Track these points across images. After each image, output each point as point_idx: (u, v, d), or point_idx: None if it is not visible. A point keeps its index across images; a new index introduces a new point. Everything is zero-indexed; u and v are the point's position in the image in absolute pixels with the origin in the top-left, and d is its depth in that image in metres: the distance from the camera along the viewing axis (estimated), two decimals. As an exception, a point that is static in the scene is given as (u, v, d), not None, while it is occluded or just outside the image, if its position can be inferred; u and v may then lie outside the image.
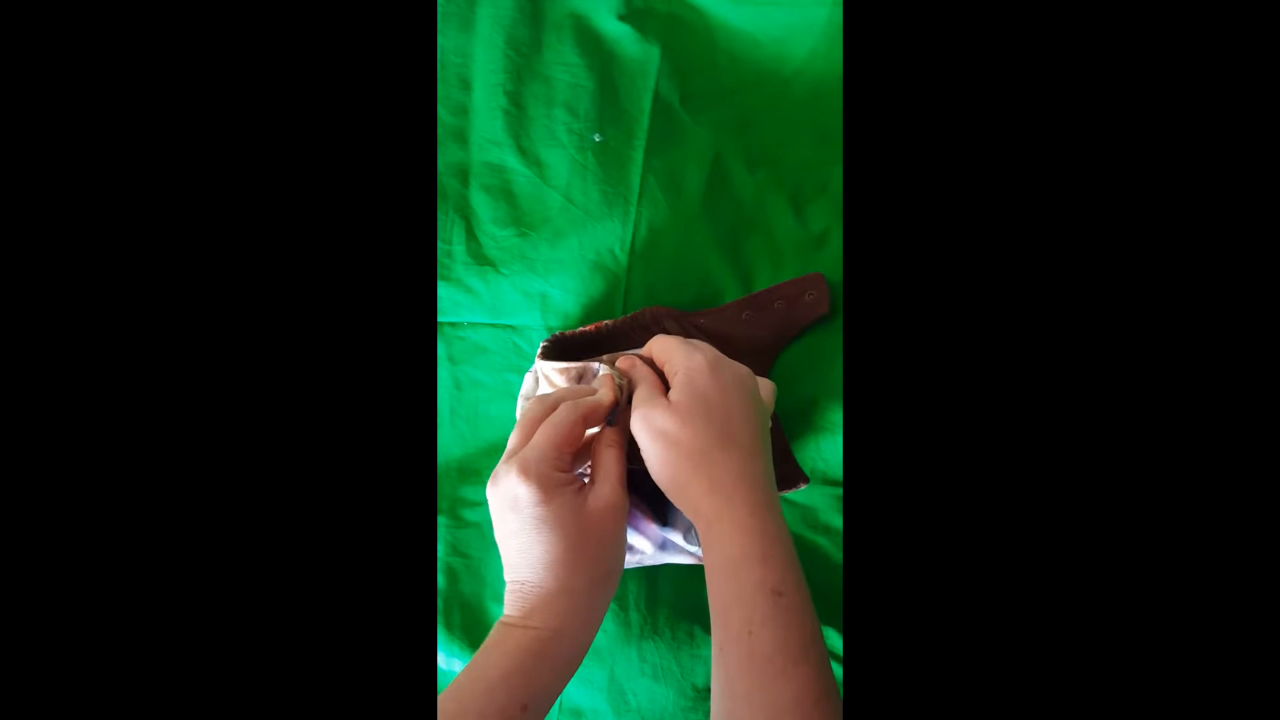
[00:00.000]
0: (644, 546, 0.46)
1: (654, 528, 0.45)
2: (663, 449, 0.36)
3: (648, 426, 0.37)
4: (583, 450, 0.40)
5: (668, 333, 0.48)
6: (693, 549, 0.45)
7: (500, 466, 0.37)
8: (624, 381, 0.41)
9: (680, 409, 0.37)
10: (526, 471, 0.36)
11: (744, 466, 0.36)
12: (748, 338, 0.47)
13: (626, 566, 0.48)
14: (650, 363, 0.42)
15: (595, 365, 0.44)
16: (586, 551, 0.36)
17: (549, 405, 0.39)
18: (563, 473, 0.37)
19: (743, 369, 0.40)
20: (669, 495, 0.38)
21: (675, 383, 0.38)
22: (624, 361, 0.42)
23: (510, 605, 0.37)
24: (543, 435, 0.37)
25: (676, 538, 0.45)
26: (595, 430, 0.40)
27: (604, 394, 0.40)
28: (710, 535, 0.36)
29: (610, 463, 0.38)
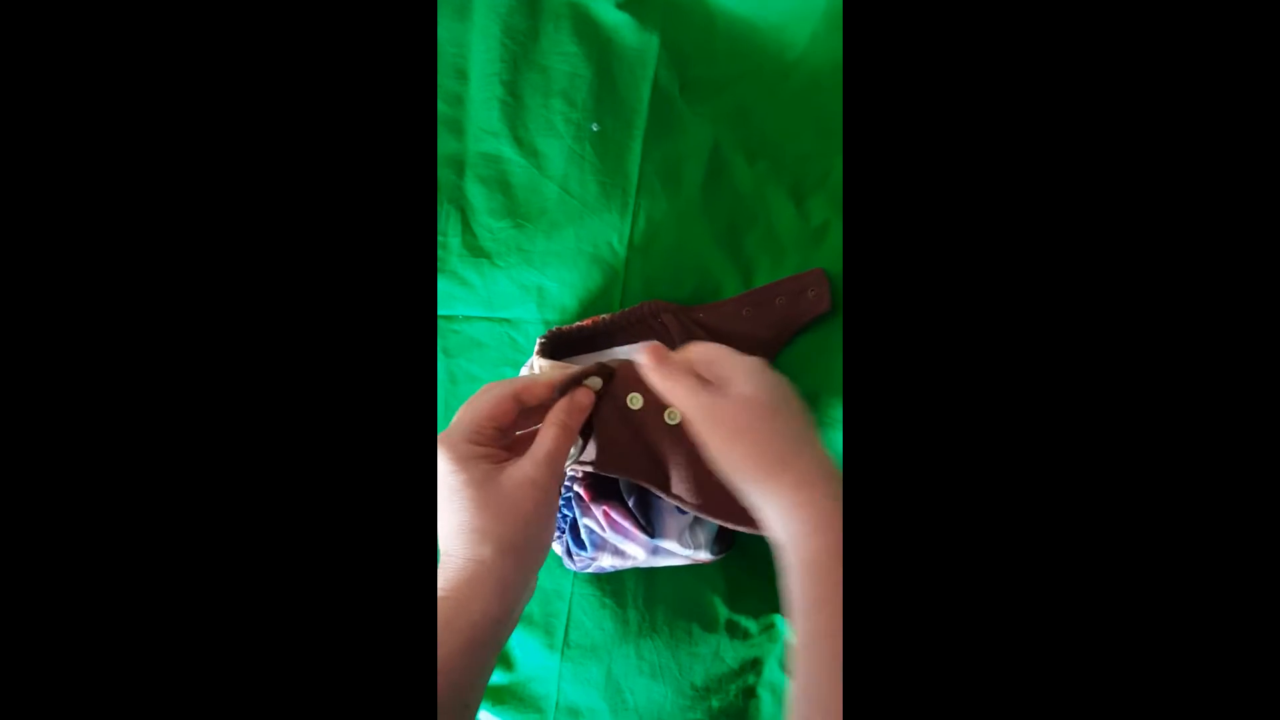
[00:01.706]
0: (635, 552, 0.45)
1: (642, 536, 0.44)
2: (738, 439, 0.36)
3: (709, 414, 0.36)
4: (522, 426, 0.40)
5: (666, 327, 0.47)
6: (686, 551, 0.45)
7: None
8: (605, 373, 0.41)
9: (751, 402, 0.36)
10: (444, 442, 0.36)
11: (825, 461, 0.36)
12: (748, 335, 0.47)
13: (619, 568, 0.47)
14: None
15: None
16: (496, 522, 0.36)
17: (491, 392, 0.39)
18: (479, 445, 0.37)
19: (782, 377, 0.39)
20: (745, 488, 0.37)
21: (735, 377, 0.37)
22: (651, 354, 0.40)
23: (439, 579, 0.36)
24: (464, 409, 0.38)
25: (670, 544, 0.44)
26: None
27: (546, 374, 0.40)
28: (794, 529, 0.35)
29: (544, 440, 0.38)
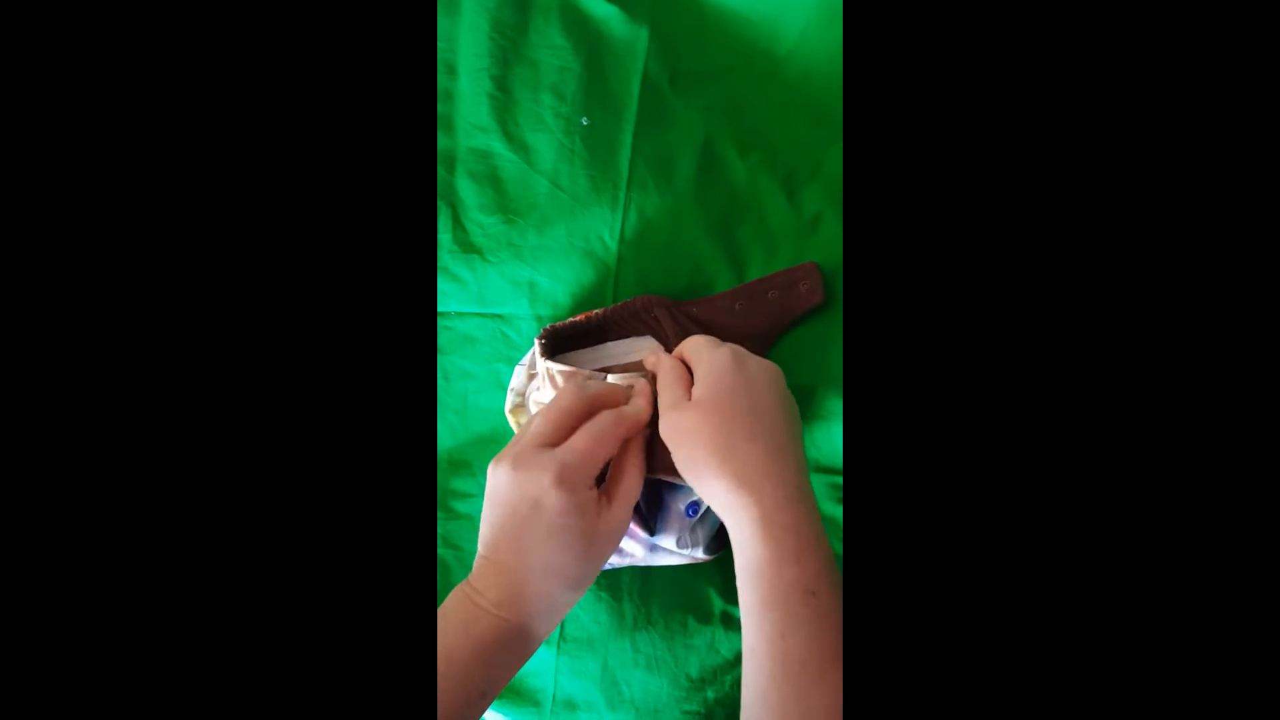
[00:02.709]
0: (634, 550, 0.45)
1: (643, 534, 0.44)
2: (687, 446, 0.36)
3: (672, 427, 0.37)
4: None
5: (659, 322, 0.47)
6: (684, 552, 0.45)
7: (525, 450, 0.36)
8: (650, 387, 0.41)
9: (703, 404, 0.36)
10: (563, 481, 0.35)
11: (770, 460, 0.35)
12: (741, 328, 0.47)
13: (617, 566, 0.47)
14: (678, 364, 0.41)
15: (609, 379, 0.43)
16: (591, 569, 0.37)
17: (586, 401, 0.38)
18: (591, 490, 0.36)
19: (770, 365, 0.39)
20: (699, 493, 0.37)
21: (699, 379, 0.38)
22: (651, 359, 0.41)
23: (482, 581, 0.36)
24: (585, 443, 0.36)
25: (668, 542, 0.44)
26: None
27: (642, 406, 0.39)
28: (738, 533, 0.34)
29: (631, 484, 0.38)
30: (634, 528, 0.44)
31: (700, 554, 0.45)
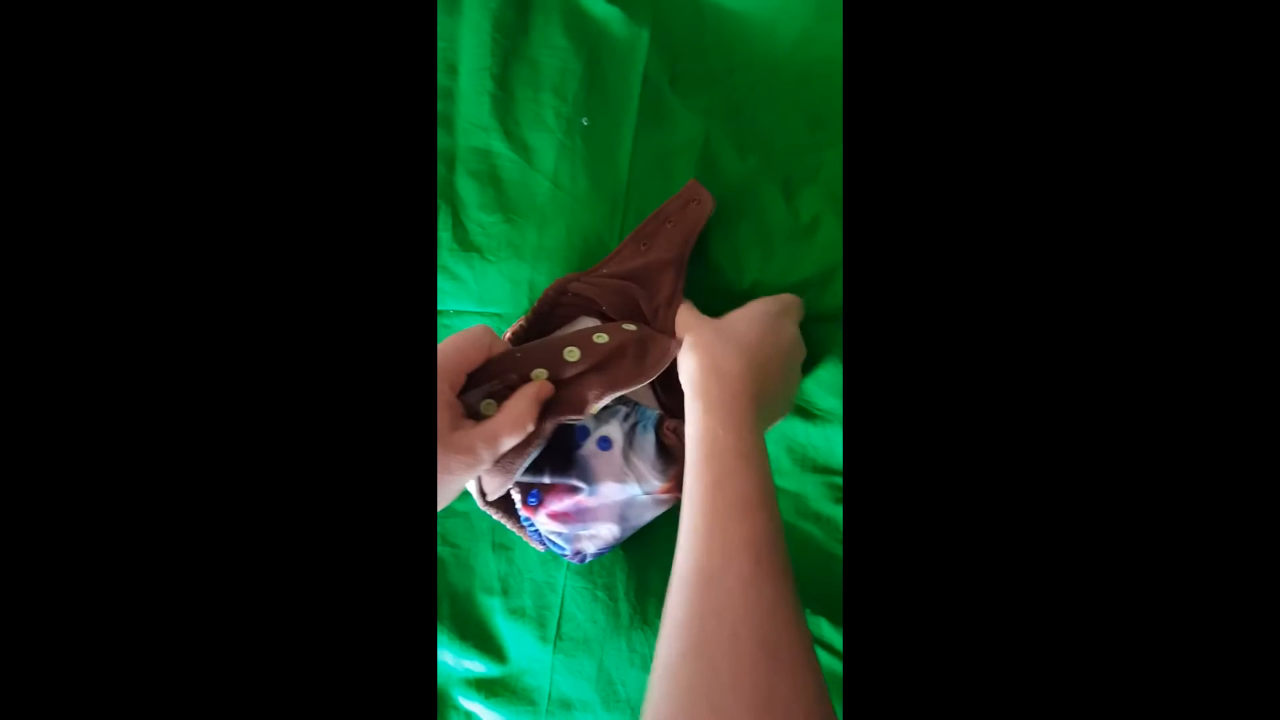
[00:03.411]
0: (606, 531, 0.45)
1: (605, 510, 0.44)
2: (701, 331, 0.42)
3: (695, 314, 0.43)
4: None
5: (580, 294, 0.47)
6: (638, 489, 0.44)
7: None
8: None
9: (723, 323, 0.43)
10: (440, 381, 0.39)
11: (756, 381, 0.41)
12: (656, 262, 0.47)
13: (602, 549, 0.47)
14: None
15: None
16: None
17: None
18: (451, 396, 0.39)
19: (798, 338, 0.45)
20: (685, 371, 0.41)
21: (737, 315, 0.44)
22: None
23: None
24: (453, 355, 0.39)
25: (610, 489, 0.44)
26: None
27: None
28: (698, 404, 0.40)
29: (501, 421, 0.38)
30: (584, 507, 0.44)
31: (655, 481, 0.44)
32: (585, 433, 0.44)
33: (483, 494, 0.44)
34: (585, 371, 0.41)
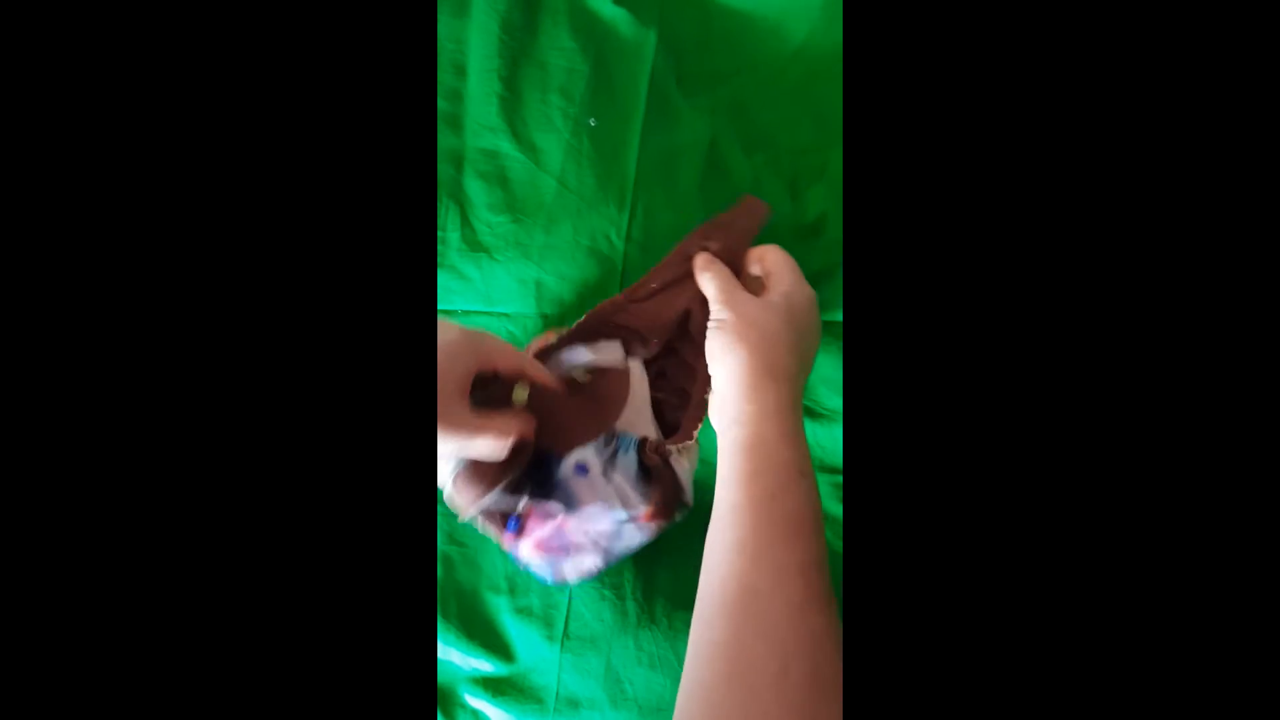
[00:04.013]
0: (588, 563, 0.45)
1: (589, 538, 0.44)
2: (743, 328, 0.39)
3: (739, 309, 0.39)
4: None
5: (623, 328, 0.47)
6: (624, 514, 0.44)
7: None
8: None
9: (776, 305, 0.40)
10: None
11: (796, 371, 0.39)
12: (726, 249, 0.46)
13: (612, 562, 0.47)
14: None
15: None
16: None
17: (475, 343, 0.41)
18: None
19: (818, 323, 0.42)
20: (721, 373, 0.39)
21: (776, 284, 0.41)
22: (703, 260, 0.43)
23: None
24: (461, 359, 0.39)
25: (594, 509, 0.43)
26: None
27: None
28: (746, 410, 0.37)
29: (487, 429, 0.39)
30: (566, 538, 0.44)
31: (639, 504, 0.44)
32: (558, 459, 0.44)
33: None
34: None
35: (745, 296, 0.40)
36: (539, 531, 0.44)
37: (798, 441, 0.36)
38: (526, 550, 0.44)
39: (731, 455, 0.37)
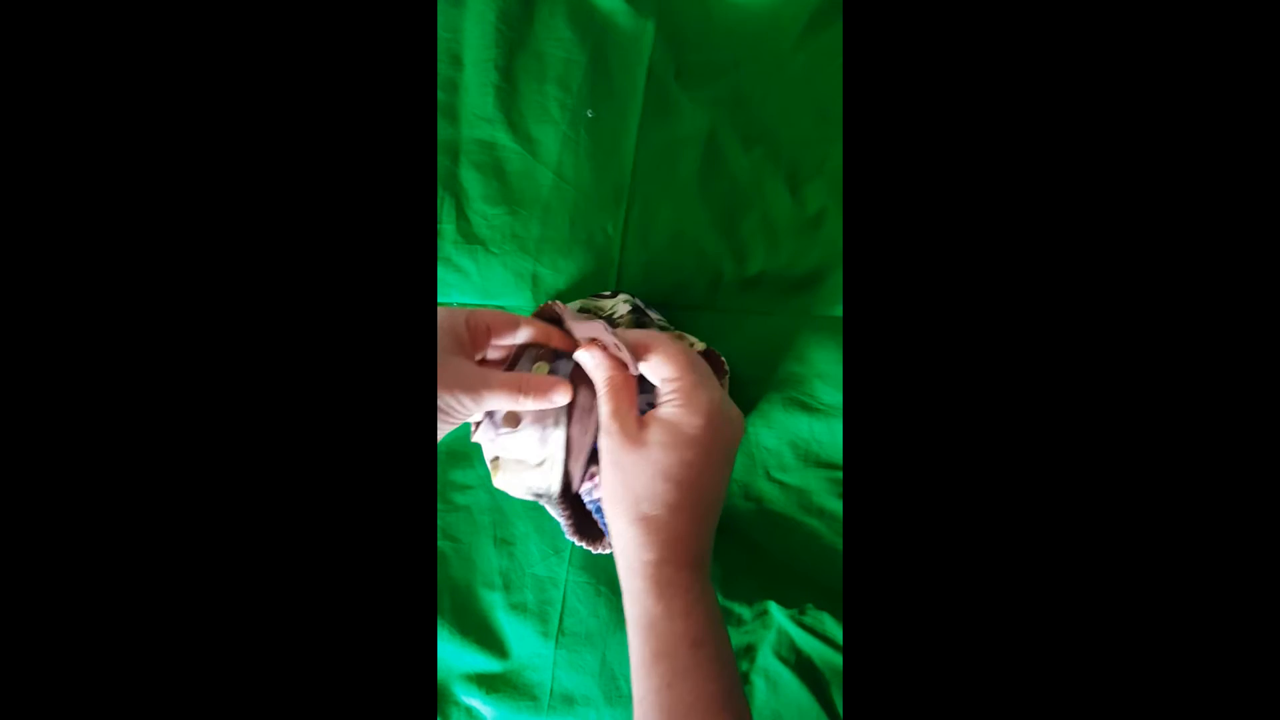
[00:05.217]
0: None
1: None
2: (622, 478, 0.35)
3: (615, 456, 0.35)
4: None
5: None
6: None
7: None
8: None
9: (653, 451, 0.34)
10: (446, 315, 0.39)
11: (689, 528, 0.35)
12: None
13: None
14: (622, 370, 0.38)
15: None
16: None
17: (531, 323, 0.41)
18: (462, 335, 0.39)
19: (739, 419, 0.38)
20: (608, 518, 0.36)
21: (686, 407, 0.35)
22: (593, 356, 0.38)
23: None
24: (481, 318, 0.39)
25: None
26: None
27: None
28: (632, 583, 0.35)
29: (518, 380, 0.38)
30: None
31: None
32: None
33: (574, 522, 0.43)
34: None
35: (631, 455, 0.35)
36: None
37: (693, 608, 0.34)
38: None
39: (631, 626, 0.35)
